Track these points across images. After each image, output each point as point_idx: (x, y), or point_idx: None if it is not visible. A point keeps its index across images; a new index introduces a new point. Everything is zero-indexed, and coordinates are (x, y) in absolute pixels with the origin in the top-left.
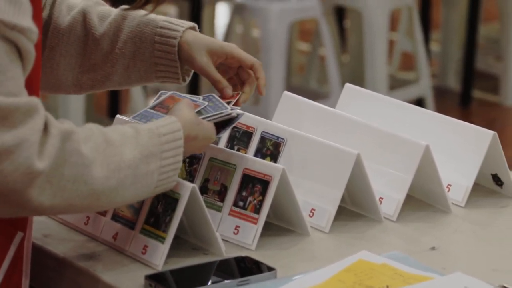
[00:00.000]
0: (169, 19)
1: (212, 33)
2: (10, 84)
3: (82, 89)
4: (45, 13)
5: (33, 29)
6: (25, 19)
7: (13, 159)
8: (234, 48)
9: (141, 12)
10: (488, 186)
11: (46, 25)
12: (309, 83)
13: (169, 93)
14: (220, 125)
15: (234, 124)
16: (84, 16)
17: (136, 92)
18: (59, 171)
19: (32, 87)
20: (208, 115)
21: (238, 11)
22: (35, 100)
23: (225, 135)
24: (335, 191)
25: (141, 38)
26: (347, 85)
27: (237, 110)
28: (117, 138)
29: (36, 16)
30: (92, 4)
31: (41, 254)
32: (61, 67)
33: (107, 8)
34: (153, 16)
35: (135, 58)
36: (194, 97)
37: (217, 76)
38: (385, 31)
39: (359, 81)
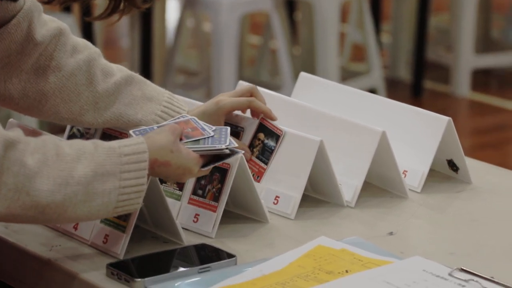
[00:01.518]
0: (171, 99)
1: (163, 28)
2: None
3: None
4: (43, 39)
5: None
6: None
7: None
8: (225, 102)
9: (147, 84)
10: (443, 171)
11: (45, 51)
12: (261, 76)
13: (188, 117)
14: (214, 159)
15: (224, 161)
16: (89, 66)
17: None
18: (1, 180)
19: None
20: (199, 146)
21: (189, 5)
22: None
23: None
24: (300, 178)
25: (143, 114)
26: (302, 73)
27: (234, 148)
28: (70, 153)
29: None
30: (97, 55)
31: (3, 245)
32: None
33: (111, 67)
34: (158, 90)
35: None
36: (207, 126)
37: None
38: (336, 23)
39: (311, 73)
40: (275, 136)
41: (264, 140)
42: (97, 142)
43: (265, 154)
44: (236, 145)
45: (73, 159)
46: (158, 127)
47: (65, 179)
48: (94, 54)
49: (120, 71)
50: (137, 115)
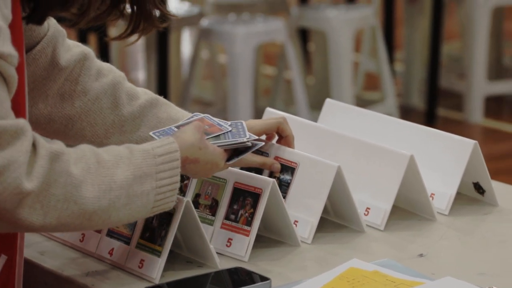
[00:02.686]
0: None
1: (178, 59)
2: None
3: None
4: (68, 64)
5: (14, 54)
6: (5, 45)
7: (2, 180)
8: (256, 123)
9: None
10: (470, 194)
11: (70, 76)
12: (276, 105)
13: (201, 115)
14: (236, 153)
15: (246, 153)
16: (114, 90)
17: None
18: (49, 191)
19: (18, 109)
20: (221, 141)
21: (203, 37)
22: (22, 122)
23: None
24: (317, 203)
25: None
26: (328, 100)
27: (254, 141)
28: (110, 159)
29: (16, 40)
30: (122, 78)
31: (39, 272)
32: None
33: (136, 91)
34: (179, 114)
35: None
36: (222, 122)
37: (259, 159)
38: (350, 52)
39: None
40: (290, 169)
41: (280, 176)
42: (131, 147)
43: (283, 189)
44: (256, 137)
45: (113, 165)
46: (175, 126)
47: (109, 185)
48: (119, 77)
49: (145, 93)
50: None
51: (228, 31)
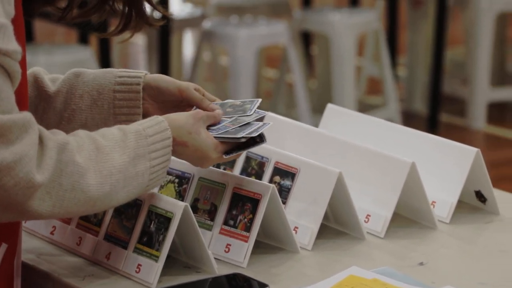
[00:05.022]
0: (126, 69)
1: (180, 61)
2: (4, 103)
3: None
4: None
5: (18, 50)
6: (10, 42)
7: (14, 174)
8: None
9: (94, 70)
10: (471, 202)
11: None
12: (277, 109)
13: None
14: (236, 148)
15: (247, 149)
16: (34, 77)
17: None
18: (57, 182)
19: (22, 102)
20: (218, 133)
21: (205, 39)
22: (28, 115)
23: None
24: (318, 210)
25: (99, 90)
26: (330, 105)
27: (253, 137)
28: (107, 144)
29: (19, 34)
30: (41, 70)
31: (35, 274)
32: None
33: (56, 75)
34: (108, 69)
35: (93, 112)
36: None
37: (198, 95)
38: (353, 56)
39: None
40: (291, 175)
41: (280, 182)
42: (123, 128)
43: (283, 194)
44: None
45: (111, 149)
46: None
47: (109, 170)
48: (37, 70)
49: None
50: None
51: (231, 34)
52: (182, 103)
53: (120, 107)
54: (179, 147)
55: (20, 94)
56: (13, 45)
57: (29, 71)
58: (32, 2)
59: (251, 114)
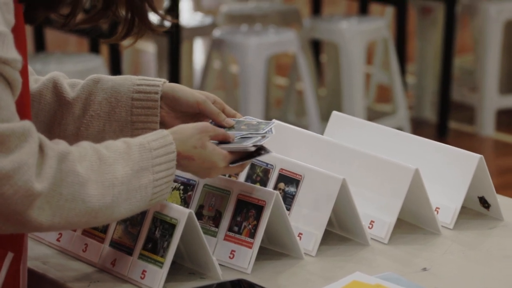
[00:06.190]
0: (144, 77)
1: (190, 69)
2: (3, 112)
3: None
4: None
5: (18, 58)
6: (9, 51)
7: (13, 183)
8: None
9: (114, 77)
10: (475, 208)
11: None
12: (287, 116)
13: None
14: (242, 157)
15: (253, 159)
16: (54, 83)
17: None
18: (57, 191)
19: (23, 111)
20: (226, 144)
21: (216, 46)
22: (28, 124)
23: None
24: (322, 215)
25: (117, 97)
26: (334, 112)
27: (263, 146)
28: (110, 155)
29: (20, 43)
30: (61, 74)
31: (41, 281)
32: None
33: (76, 79)
34: (127, 76)
35: (111, 119)
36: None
37: (215, 109)
38: (362, 64)
39: None
40: (295, 181)
41: (285, 189)
42: (127, 141)
43: (287, 201)
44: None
45: (114, 161)
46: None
47: (111, 181)
48: (57, 75)
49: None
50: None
51: (241, 42)
52: (198, 114)
53: (137, 114)
54: (184, 161)
55: (21, 104)
56: (13, 54)
57: (48, 76)
58: (35, 9)
59: (263, 133)
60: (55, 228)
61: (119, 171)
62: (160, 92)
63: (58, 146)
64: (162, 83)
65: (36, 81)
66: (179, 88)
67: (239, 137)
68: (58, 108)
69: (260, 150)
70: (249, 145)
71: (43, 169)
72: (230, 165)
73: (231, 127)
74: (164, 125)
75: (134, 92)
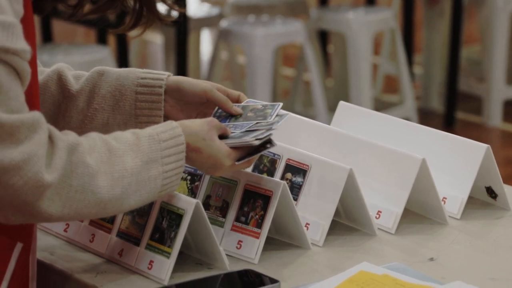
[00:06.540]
0: (149, 70)
1: (197, 60)
2: (13, 103)
3: None
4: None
5: (27, 49)
6: (18, 41)
7: (23, 174)
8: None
9: (118, 69)
10: (482, 198)
11: None
12: (295, 107)
13: (253, 101)
14: (248, 153)
15: (258, 154)
16: (58, 75)
17: None
18: (67, 183)
19: (32, 101)
20: (229, 140)
21: (223, 38)
22: (37, 114)
23: None
24: (329, 206)
25: (121, 91)
26: (341, 102)
27: (268, 139)
28: (119, 147)
29: (28, 33)
30: (66, 66)
31: (48, 271)
32: None
33: (80, 71)
34: (131, 69)
35: (115, 112)
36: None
37: (223, 96)
38: (369, 55)
39: None
40: (302, 171)
41: (292, 179)
42: (136, 132)
43: (294, 191)
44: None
45: (123, 153)
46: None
47: (121, 173)
48: (62, 66)
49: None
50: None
51: (248, 33)
52: (204, 104)
53: (141, 108)
54: (192, 154)
55: (30, 94)
56: (22, 44)
57: (53, 67)
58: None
59: (271, 120)
60: (65, 219)
61: (128, 162)
62: (164, 85)
63: (67, 137)
64: (167, 77)
65: (41, 72)
66: (184, 79)
67: (245, 130)
68: (62, 100)
69: (266, 143)
70: (253, 139)
71: (53, 160)
72: (236, 163)
73: (238, 115)
74: (168, 118)
75: (138, 85)
